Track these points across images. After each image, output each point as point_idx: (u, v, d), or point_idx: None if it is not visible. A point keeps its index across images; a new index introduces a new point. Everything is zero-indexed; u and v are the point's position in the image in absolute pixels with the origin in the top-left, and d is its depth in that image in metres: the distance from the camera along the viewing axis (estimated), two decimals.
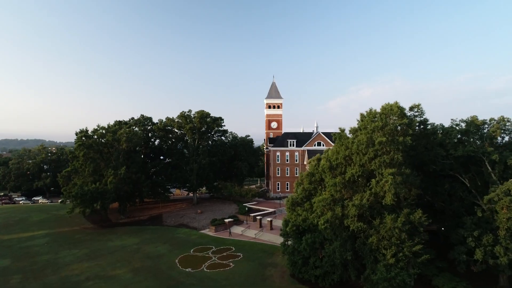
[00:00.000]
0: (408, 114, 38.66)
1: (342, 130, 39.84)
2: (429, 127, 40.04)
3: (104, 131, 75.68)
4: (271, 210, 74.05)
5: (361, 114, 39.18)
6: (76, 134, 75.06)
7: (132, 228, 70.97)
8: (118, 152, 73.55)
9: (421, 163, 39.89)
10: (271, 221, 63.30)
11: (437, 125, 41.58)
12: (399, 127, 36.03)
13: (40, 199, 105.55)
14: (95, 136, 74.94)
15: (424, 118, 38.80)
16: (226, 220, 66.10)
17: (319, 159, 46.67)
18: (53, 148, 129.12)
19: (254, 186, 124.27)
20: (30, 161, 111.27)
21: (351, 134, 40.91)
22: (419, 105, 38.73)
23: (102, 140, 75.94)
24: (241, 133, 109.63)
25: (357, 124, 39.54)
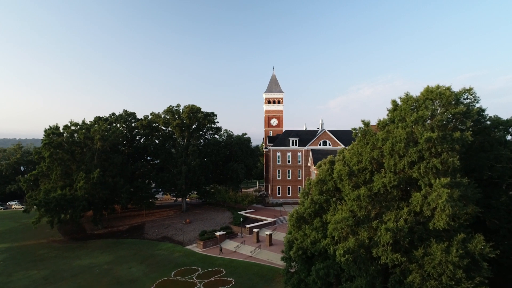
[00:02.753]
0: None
1: (367, 124, 29.41)
2: (487, 118, 29.62)
3: (76, 128, 65.24)
4: (270, 220, 63.64)
5: (393, 101, 28.73)
6: (45, 131, 64.57)
7: (107, 241, 60.53)
8: (92, 152, 63.09)
9: (473, 167, 29.44)
10: (270, 235, 52.94)
11: (492, 116, 31.17)
12: (449, 118, 25.59)
13: (14, 205, 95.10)
14: (66, 134, 64.46)
15: (480, 107, 28.33)
16: (217, 234, 55.67)
17: (332, 162, 36.23)
18: (32, 147, 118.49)
19: (252, 190, 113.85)
20: (4, 162, 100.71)
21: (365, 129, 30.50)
22: (470, 89, 28.26)
23: (76, 139, 65.58)
24: (239, 133, 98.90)
25: (388, 115, 29.09)
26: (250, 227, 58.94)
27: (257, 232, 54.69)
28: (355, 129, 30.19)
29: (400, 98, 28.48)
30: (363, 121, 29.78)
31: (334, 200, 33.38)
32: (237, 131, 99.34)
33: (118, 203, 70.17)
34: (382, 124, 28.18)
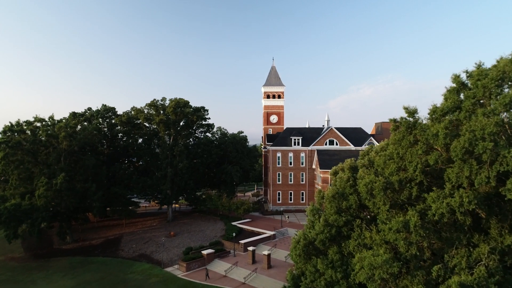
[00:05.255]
0: None
1: (412, 112, 19.50)
2: None
3: (41, 124, 55.43)
4: (269, 233, 53.78)
5: (455, 78, 18.78)
6: (4, 128, 54.68)
7: (73, 260, 50.63)
8: (58, 153, 53.19)
9: None
10: (269, 255, 43.07)
11: None
12: None
13: None
14: (28, 132, 54.63)
15: None
16: (205, 252, 45.85)
17: (353, 168, 26.37)
18: None
19: (250, 194, 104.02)
20: None
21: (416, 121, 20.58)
22: None
23: (39, 137, 55.64)
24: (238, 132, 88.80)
25: (445, 99, 19.16)
26: (244, 243, 49.16)
27: (253, 251, 44.83)
28: (394, 120, 20.22)
29: (467, 72, 18.56)
30: (406, 109, 19.84)
31: (359, 223, 23.58)
32: (235, 131, 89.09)
33: (96, 211, 60.03)
34: (440, 113, 18.22)
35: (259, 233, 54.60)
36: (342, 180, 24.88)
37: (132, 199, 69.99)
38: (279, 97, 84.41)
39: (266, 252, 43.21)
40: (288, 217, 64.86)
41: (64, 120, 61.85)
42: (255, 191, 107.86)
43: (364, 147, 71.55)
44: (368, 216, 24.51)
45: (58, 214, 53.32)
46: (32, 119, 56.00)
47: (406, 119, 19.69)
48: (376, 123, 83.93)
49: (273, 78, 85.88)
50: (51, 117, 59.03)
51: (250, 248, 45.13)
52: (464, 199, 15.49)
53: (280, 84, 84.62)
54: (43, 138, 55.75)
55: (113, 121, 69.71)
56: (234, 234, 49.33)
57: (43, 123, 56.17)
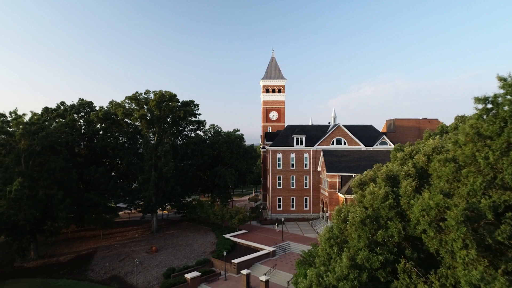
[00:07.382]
0: None
1: None
2: None
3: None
4: (267, 249, 45.33)
5: None
6: None
7: (33, 282, 42.05)
8: (17, 154, 44.75)
9: None
10: (267, 281, 34.59)
11: None
12: None
13: None
14: None
15: None
16: (189, 276, 37.43)
17: (391, 179, 17.87)
18: None
19: (247, 199, 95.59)
20: None
21: None
22: None
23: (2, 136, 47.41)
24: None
25: None
26: (238, 263, 40.72)
27: (248, 275, 36.35)
28: (484, 99, 11.73)
29: None
30: (502, 79, 11.38)
31: (405, 266, 15.16)
32: (233, 129, 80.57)
33: (64, 222, 51.42)
34: None
35: (256, 249, 46.14)
36: (377, 198, 16.42)
37: (118, 205, 61.80)
38: (279, 91, 75.98)
39: (263, 278, 34.71)
40: (277, 225, 56.69)
41: (27, 115, 53.47)
42: (253, 195, 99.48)
43: (376, 147, 63.15)
44: (416, 254, 16.06)
45: (16, 228, 44.84)
46: None
47: (505, 97, 11.22)
48: (387, 120, 75.56)
49: (273, 70, 77.46)
50: (14, 112, 50.53)
51: (244, 272, 36.60)
52: None
53: (280, 77, 76.20)
54: (3, 137, 47.57)
55: (90, 117, 61.31)
56: (225, 253, 40.79)
57: (1, 119, 47.74)
